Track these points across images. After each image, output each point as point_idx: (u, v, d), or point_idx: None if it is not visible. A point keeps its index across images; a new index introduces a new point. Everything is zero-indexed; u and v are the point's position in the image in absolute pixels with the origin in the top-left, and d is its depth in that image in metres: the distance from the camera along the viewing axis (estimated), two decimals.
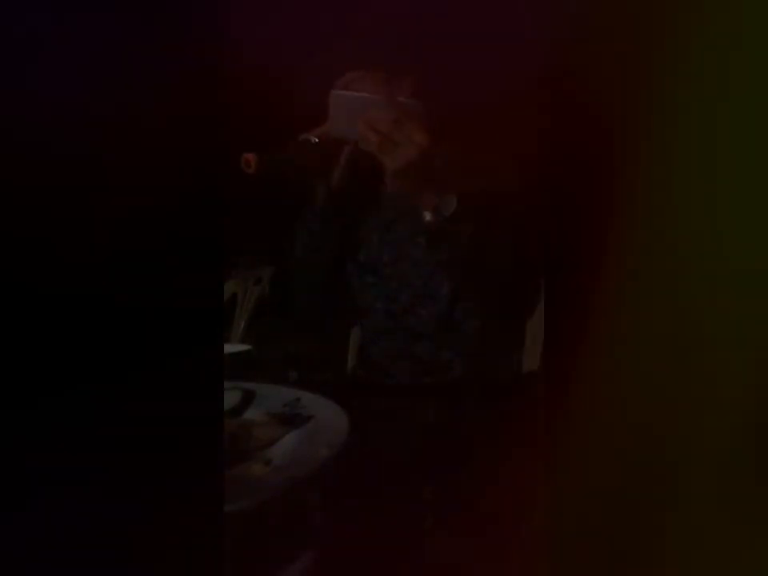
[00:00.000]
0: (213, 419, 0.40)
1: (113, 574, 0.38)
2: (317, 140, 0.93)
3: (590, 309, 0.39)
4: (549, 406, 0.40)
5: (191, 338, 0.39)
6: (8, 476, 0.36)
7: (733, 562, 0.36)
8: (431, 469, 0.61)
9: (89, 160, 0.39)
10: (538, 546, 0.40)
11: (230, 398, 0.67)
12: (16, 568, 0.36)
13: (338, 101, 0.91)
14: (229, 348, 1.04)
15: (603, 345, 0.39)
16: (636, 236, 0.39)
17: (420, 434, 0.69)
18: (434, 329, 1.02)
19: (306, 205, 1.09)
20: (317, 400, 0.68)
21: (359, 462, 0.58)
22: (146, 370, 0.39)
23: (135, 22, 0.39)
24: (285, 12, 1.26)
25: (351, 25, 1.04)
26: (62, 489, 0.37)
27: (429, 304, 1.03)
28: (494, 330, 1.02)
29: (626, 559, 0.38)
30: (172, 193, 0.40)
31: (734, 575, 0.36)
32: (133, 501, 0.38)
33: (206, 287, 0.40)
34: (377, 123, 0.82)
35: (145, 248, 0.39)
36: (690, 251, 0.37)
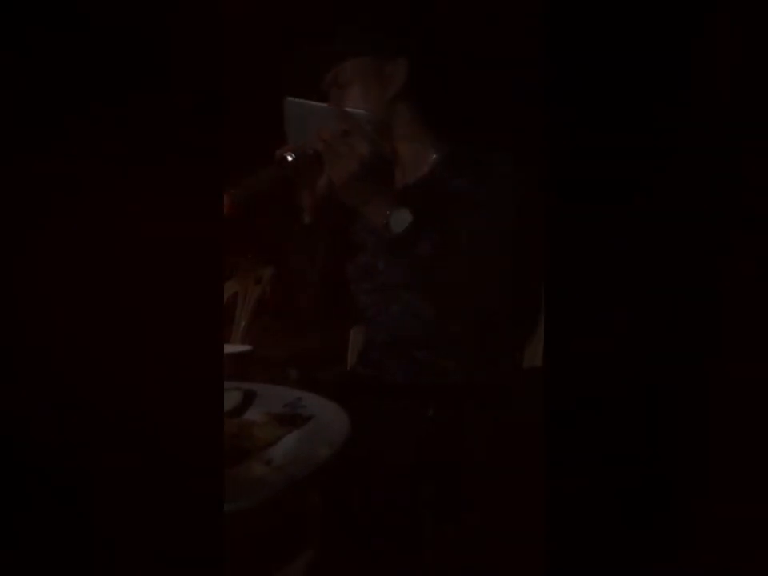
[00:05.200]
0: (213, 419, 0.40)
1: (113, 573, 0.38)
2: (293, 156, 0.87)
3: (589, 309, 0.39)
4: (549, 406, 0.40)
5: (191, 338, 0.39)
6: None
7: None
8: (431, 468, 0.61)
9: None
10: (536, 545, 0.40)
11: (230, 398, 0.67)
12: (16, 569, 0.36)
13: (292, 108, 0.88)
14: (229, 348, 1.04)
15: (603, 344, 0.39)
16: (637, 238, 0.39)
17: (420, 433, 0.69)
18: (427, 337, 1.00)
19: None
20: (317, 400, 0.68)
21: (359, 461, 0.58)
22: (145, 370, 0.39)
23: None
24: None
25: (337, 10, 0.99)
26: (62, 488, 0.37)
27: (417, 316, 0.98)
28: (487, 338, 0.99)
29: (624, 557, 0.38)
30: (173, 193, 0.40)
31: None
32: (133, 500, 0.38)
33: (206, 287, 0.40)
34: (324, 133, 0.81)
35: (145, 248, 0.39)
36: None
